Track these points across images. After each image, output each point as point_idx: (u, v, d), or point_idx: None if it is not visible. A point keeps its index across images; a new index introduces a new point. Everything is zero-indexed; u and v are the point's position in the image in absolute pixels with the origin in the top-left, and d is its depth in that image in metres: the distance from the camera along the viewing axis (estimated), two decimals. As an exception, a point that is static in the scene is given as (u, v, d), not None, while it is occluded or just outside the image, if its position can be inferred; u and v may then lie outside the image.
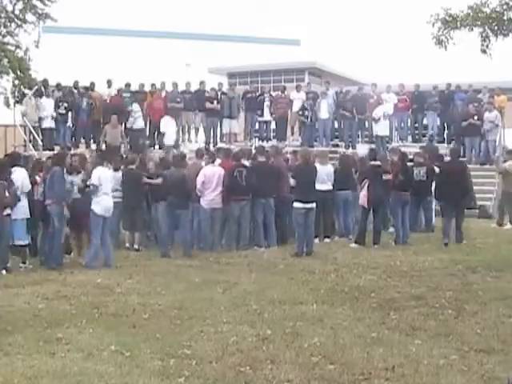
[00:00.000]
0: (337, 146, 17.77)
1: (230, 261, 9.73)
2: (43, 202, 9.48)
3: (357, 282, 8.18)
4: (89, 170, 10.04)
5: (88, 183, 9.49)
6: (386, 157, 12.34)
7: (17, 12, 13.10)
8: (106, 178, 9.52)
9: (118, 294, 7.54)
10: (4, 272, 8.88)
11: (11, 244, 9.18)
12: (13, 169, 9.23)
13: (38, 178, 9.88)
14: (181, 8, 79.48)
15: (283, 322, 6.25)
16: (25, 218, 9.28)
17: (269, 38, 23.38)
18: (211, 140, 17.76)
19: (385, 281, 8.27)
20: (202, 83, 18.07)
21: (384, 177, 11.26)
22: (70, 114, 16.58)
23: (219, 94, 17.87)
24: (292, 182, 10.55)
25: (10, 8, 13.16)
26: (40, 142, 15.84)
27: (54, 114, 16.18)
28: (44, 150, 15.35)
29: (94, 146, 16.40)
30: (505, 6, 9.62)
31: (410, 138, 18.15)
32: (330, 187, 11.58)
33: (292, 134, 18.96)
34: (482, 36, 9.79)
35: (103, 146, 15.78)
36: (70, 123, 16.73)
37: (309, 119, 17.59)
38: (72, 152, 13.38)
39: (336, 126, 18.42)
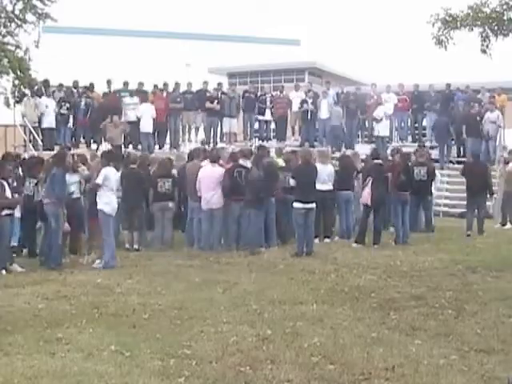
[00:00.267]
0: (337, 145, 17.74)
1: (229, 261, 9.73)
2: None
3: (357, 281, 8.18)
4: (93, 170, 10.04)
5: (98, 182, 9.40)
6: (386, 157, 12.37)
7: (17, 12, 13.07)
8: (113, 177, 9.55)
9: (118, 294, 7.54)
10: (4, 272, 8.88)
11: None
12: None
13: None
14: (181, 8, 79.44)
15: (283, 321, 6.24)
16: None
17: (269, 38, 23.43)
18: (211, 140, 17.75)
19: (385, 281, 8.27)
20: (205, 83, 18.07)
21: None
22: (70, 114, 16.58)
23: (219, 93, 17.87)
24: (292, 182, 10.54)
25: (10, 8, 13.14)
26: (40, 142, 15.84)
27: (55, 114, 16.16)
28: (44, 150, 15.34)
29: (94, 146, 16.40)
30: (505, 6, 9.62)
31: (409, 138, 18.14)
32: (331, 187, 11.59)
33: (293, 133, 18.96)
34: (481, 36, 9.79)
35: (104, 146, 15.77)
36: (70, 123, 16.74)
37: (309, 114, 17.55)
38: (72, 152, 13.41)
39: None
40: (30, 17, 13.25)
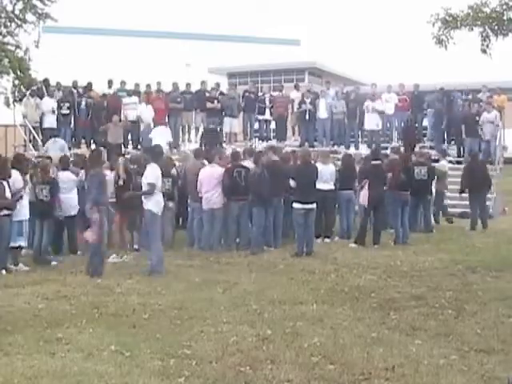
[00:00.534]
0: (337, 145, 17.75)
1: (229, 261, 9.73)
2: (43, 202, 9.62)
3: (357, 281, 8.18)
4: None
5: (151, 182, 8.81)
6: (386, 155, 12.38)
7: (17, 12, 13.08)
8: (159, 176, 9.00)
9: (118, 294, 7.54)
10: (4, 272, 8.88)
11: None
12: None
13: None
14: (181, 8, 79.51)
15: (283, 321, 6.24)
16: (16, 220, 9.17)
17: (269, 38, 23.44)
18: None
19: (385, 281, 8.27)
20: (203, 83, 18.07)
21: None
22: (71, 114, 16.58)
23: (218, 93, 17.86)
24: (292, 183, 10.52)
25: (10, 8, 13.15)
26: (40, 142, 15.84)
27: (55, 114, 16.16)
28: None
29: (94, 146, 16.39)
30: (505, 6, 9.62)
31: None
32: (332, 187, 11.59)
33: (293, 133, 18.95)
34: (481, 36, 9.79)
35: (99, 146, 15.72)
36: (71, 124, 16.74)
37: (307, 114, 17.54)
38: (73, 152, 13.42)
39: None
40: (30, 17, 13.27)
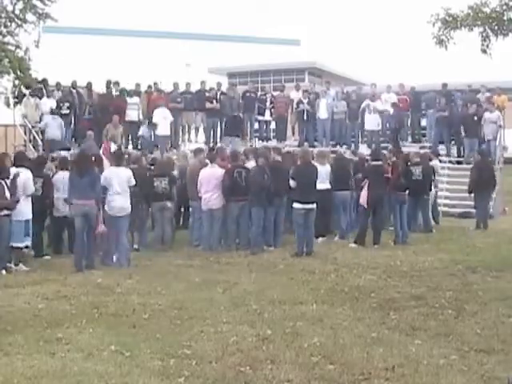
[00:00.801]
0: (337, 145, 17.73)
1: (229, 261, 9.73)
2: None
3: (357, 281, 8.18)
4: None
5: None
6: (385, 155, 12.38)
7: (17, 12, 13.09)
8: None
9: (118, 294, 7.54)
10: (4, 272, 8.88)
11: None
12: (17, 169, 9.15)
13: None
14: (181, 8, 79.51)
15: (283, 321, 6.24)
16: (23, 220, 9.22)
17: (269, 38, 23.43)
18: (211, 140, 17.75)
19: (385, 281, 8.27)
20: (202, 83, 18.06)
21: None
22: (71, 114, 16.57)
23: (218, 93, 17.86)
24: (292, 183, 10.52)
25: (10, 8, 13.16)
26: (40, 142, 15.83)
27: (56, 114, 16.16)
28: (44, 150, 15.33)
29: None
30: (505, 6, 9.61)
31: (409, 138, 18.13)
32: (329, 186, 11.60)
33: (293, 133, 18.95)
34: (482, 36, 9.79)
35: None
36: (72, 124, 16.73)
37: (305, 114, 17.53)
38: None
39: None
40: (30, 17, 13.27)
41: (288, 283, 8.10)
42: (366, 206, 11.16)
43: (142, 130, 16.95)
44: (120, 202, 9.44)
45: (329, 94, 18.17)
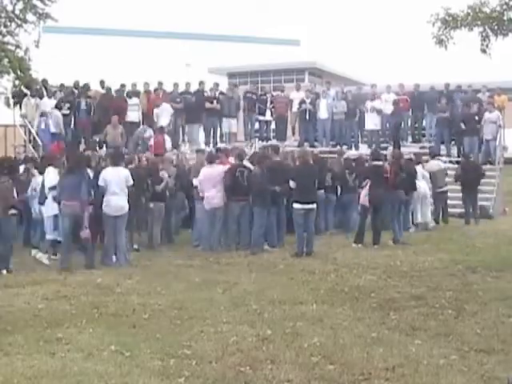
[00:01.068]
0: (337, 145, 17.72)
1: (229, 261, 9.73)
2: None
3: (357, 282, 8.18)
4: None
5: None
6: (385, 156, 12.41)
7: (17, 12, 13.09)
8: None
9: (118, 294, 7.54)
10: (4, 272, 8.89)
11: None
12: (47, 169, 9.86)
13: None
14: (181, 8, 79.53)
15: (283, 322, 6.24)
16: (52, 215, 9.77)
17: (269, 38, 23.44)
18: (211, 140, 17.75)
19: (385, 281, 8.27)
20: (201, 83, 18.06)
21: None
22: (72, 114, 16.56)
23: (217, 94, 17.86)
24: (292, 183, 10.51)
25: (10, 8, 13.16)
26: (40, 142, 15.82)
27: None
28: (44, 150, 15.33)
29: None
30: (505, 6, 9.61)
31: (410, 138, 18.13)
32: None
33: (293, 133, 18.95)
34: (482, 36, 9.79)
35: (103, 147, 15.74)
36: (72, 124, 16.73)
37: (307, 114, 17.53)
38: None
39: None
40: (30, 17, 13.28)
41: (288, 283, 8.10)
42: (367, 205, 11.17)
43: (140, 131, 16.92)
44: (117, 201, 9.53)
45: (329, 94, 18.15)
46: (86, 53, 54.73)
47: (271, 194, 10.57)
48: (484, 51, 9.89)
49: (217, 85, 18.54)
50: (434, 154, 15.10)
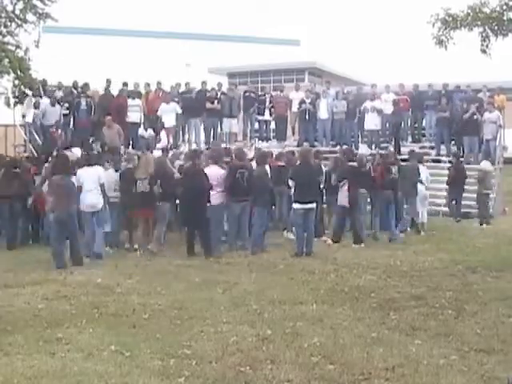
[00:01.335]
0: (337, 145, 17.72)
1: (229, 261, 9.73)
2: None
3: (357, 282, 8.18)
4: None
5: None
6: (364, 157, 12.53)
7: (17, 12, 13.07)
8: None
9: (118, 293, 7.54)
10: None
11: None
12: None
13: None
14: (181, 8, 79.54)
15: (283, 322, 6.25)
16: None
17: (269, 38, 23.44)
18: (211, 140, 17.74)
19: (385, 281, 8.27)
20: (204, 83, 18.06)
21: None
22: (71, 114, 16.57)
23: (219, 94, 17.86)
24: (291, 183, 10.52)
25: (10, 8, 13.14)
26: (40, 142, 15.83)
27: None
28: (44, 150, 15.34)
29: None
30: (505, 7, 9.61)
31: (410, 138, 18.13)
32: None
33: (293, 133, 18.95)
34: (481, 36, 9.78)
35: (98, 147, 15.72)
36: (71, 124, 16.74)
37: (307, 113, 17.52)
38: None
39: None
40: (30, 17, 13.25)
41: (288, 283, 8.10)
42: (347, 205, 11.26)
43: (142, 131, 16.95)
44: (90, 198, 9.95)
45: (329, 94, 18.16)
46: (85, 53, 54.71)
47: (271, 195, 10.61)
48: (484, 51, 9.89)
49: (220, 85, 18.55)
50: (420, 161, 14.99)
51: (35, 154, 14.73)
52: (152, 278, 8.46)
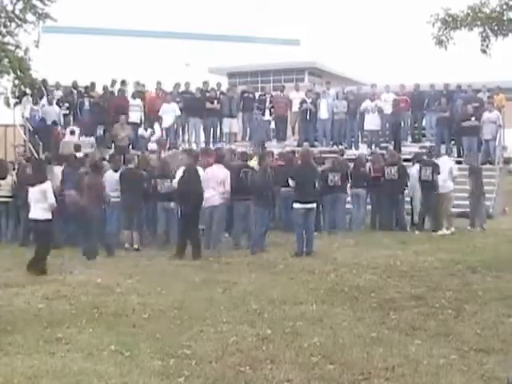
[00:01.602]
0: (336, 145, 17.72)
1: (229, 261, 9.73)
2: None
3: (357, 282, 8.18)
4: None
5: None
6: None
7: (17, 12, 13.07)
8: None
9: (118, 294, 7.54)
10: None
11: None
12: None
13: None
14: (181, 8, 79.55)
15: (283, 321, 6.24)
16: None
17: (269, 38, 23.39)
18: (211, 140, 17.75)
19: (385, 281, 8.27)
20: (205, 83, 18.05)
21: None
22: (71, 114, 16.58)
23: (218, 93, 17.85)
24: (291, 182, 10.53)
25: (10, 8, 13.14)
26: (40, 142, 15.83)
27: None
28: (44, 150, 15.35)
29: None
30: (505, 6, 9.61)
31: (409, 138, 18.13)
32: None
33: (293, 133, 18.94)
34: (481, 36, 9.79)
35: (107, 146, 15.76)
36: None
37: (307, 113, 17.52)
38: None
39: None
40: (30, 17, 13.23)
41: (288, 283, 8.10)
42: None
43: (142, 130, 16.97)
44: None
45: (329, 94, 18.16)
46: (85, 53, 54.75)
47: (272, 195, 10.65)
48: (484, 51, 9.89)
49: (219, 85, 18.54)
50: (419, 160, 14.85)
51: (35, 154, 14.72)
52: (152, 277, 8.46)
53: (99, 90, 17.37)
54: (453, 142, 17.07)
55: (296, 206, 10.32)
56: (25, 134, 16.31)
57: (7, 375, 4.81)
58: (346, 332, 5.90)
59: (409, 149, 16.40)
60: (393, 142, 16.74)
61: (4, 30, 13.07)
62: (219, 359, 5.14)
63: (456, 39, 9.89)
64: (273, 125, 18.78)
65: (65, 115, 16.40)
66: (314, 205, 10.38)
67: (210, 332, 5.89)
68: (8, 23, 13.11)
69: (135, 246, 10.85)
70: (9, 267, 9.27)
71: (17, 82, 13.44)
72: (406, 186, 13.13)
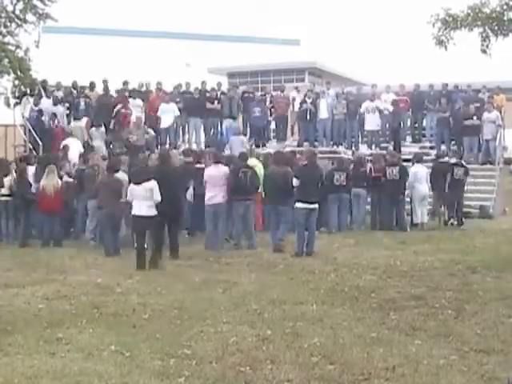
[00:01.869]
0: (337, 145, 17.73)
1: (229, 261, 9.73)
2: None
3: (357, 282, 8.17)
4: None
5: None
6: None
7: (17, 12, 13.07)
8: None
9: (118, 294, 7.54)
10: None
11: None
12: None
13: None
14: (180, 8, 79.56)
15: (283, 322, 6.24)
16: None
17: (269, 38, 23.43)
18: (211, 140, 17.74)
19: (385, 281, 8.27)
20: (203, 83, 18.04)
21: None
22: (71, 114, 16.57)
23: (219, 94, 17.85)
24: (295, 182, 10.52)
25: (10, 8, 13.14)
26: (40, 142, 15.82)
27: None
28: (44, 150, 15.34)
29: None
30: (505, 6, 9.61)
31: (409, 138, 18.13)
32: None
33: (292, 134, 18.94)
34: (481, 36, 9.78)
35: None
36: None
37: (307, 113, 17.52)
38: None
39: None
40: (30, 17, 13.24)
41: (288, 283, 8.10)
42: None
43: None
44: None
45: (329, 94, 18.16)
46: (85, 53, 54.77)
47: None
48: (484, 51, 9.89)
49: (219, 84, 18.54)
50: (419, 160, 14.79)
51: (35, 154, 14.71)
52: (152, 278, 8.46)
53: (99, 90, 17.35)
54: (453, 143, 17.07)
55: (298, 205, 10.30)
56: (25, 133, 16.30)
57: (7, 375, 4.81)
58: (346, 332, 5.90)
59: (409, 149, 16.41)
60: (393, 143, 16.75)
61: (4, 30, 13.09)
62: (219, 359, 5.14)
63: (456, 39, 9.90)
64: (273, 125, 18.78)
65: (66, 115, 16.39)
66: (317, 205, 10.38)
67: (210, 332, 5.89)
68: (8, 23, 13.12)
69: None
70: (9, 267, 9.28)
71: (17, 82, 13.47)
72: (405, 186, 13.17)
